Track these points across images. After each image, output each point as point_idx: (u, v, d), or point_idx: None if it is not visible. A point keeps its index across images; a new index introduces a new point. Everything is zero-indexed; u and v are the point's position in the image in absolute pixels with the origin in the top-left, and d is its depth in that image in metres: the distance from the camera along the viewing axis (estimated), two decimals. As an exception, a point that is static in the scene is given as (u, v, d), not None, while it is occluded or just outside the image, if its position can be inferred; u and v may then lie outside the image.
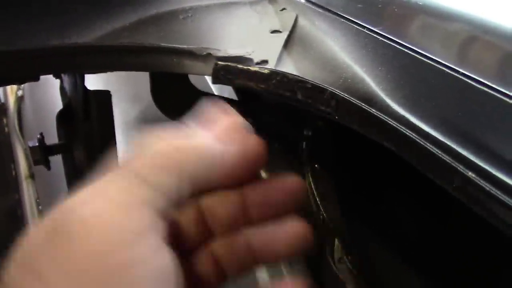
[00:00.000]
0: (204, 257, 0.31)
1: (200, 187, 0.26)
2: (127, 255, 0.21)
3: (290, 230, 0.29)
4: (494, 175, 0.24)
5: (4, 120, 1.88)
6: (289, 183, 0.30)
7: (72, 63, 0.37)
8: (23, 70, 0.36)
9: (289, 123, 0.38)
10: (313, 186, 0.46)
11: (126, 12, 0.39)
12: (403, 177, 0.39)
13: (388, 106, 0.31)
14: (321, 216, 0.45)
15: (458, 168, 0.25)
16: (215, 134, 0.27)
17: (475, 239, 0.42)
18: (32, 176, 1.55)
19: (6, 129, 1.85)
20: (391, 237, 0.48)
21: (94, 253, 0.20)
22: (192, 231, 0.30)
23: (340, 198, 0.48)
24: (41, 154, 0.75)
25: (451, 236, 0.45)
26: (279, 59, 0.37)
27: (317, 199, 0.45)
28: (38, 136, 0.73)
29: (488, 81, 0.28)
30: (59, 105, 0.82)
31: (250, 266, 0.31)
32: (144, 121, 0.74)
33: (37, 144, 0.71)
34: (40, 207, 1.45)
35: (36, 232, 0.21)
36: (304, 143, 0.48)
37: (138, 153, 0.24)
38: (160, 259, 0.22)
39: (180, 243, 0.29)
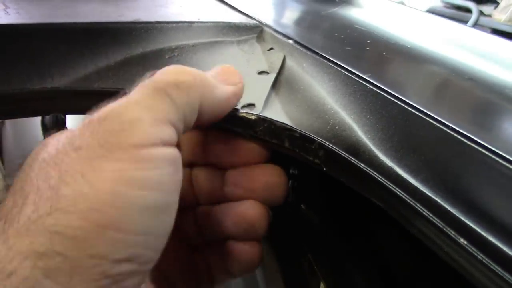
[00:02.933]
0: (189, 219, 0.38)
1: (204, 113, 0.30)
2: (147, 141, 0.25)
3: (245, 213, 0.36)
4: (486, 240, 0.23)
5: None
6: (267, 172, 0.36)
7: (52, 106, 0.36)
8: (1, 113, 0.35)
9: (274, 162, 0.38)
10: (299, 228, 0.45)
11: (111, 51, 0.39)
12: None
13: (376, 156, 0.30)
14: (306, 259, 0.44)
15: (450, 234, 0.24)
16: (211, 73, 0.33)
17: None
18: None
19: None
20: (380, 279, 0.47)
21: (126, 140, 0.24)
22: (183, 192, 0.36)
23: (327, 236, 0.47)
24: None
25: (446, 279, 0.45)
26: (266, 102, 0.36)
27: (303, 242, 0.44)
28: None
29: (478, 138, 0.28)
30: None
31: (218, 238, 0.38)
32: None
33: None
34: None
35: (84, 123, 0.25)
36: (290, 182, 0.47)
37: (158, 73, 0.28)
38: (171, 150, 0.26)
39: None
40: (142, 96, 0.26)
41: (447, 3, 2.28)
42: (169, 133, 0.26)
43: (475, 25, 2.12)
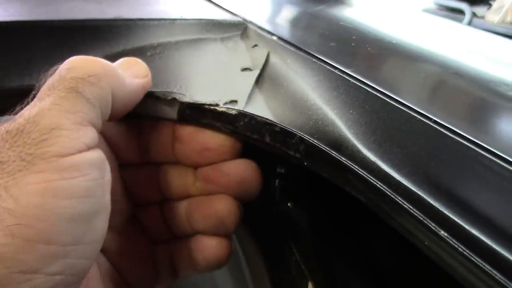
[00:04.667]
0: (154, 214, 0.38)
1: (115, 104, 0.29)
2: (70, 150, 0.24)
3: (215, 208, 0.36)
4: (468, 233, 0.23)
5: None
6: (241, 167, 0.36)
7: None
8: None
9: (261, 160, 0.37)
10: (286, 228, 0.45)
11: (91, 49, 0.38)
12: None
13: (359, 151, 0.30)
14: (294, 258, 0.43)
15: (430, 226, 0.24)
16: (117, 65, 0.31)
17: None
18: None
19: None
20: (368, 275, 0.46)
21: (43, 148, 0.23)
22: (146, 188, 0.38)
23: (315, 235, 0.47)
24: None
25: (431, 273, 0.44)
26: (249, 98, 0.36)
27: (290, 242, 0.44)
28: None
29: (461, 131, 0.27)
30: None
31: (187, 233, 0.38)
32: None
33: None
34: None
35: (1, 134, 0.24)
36: (277, 180, 0.47)
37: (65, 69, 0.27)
38: (95, 153, 0.26)
39: (133, 194, 0.38)
40: (56, 99, 0.25)
41: (440, 5, 2.29)
42: (91, 135, 0.26)
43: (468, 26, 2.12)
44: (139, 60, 0.33)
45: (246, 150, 0.37)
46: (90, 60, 0.27)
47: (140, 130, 0.37)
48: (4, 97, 0.34)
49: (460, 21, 2.14)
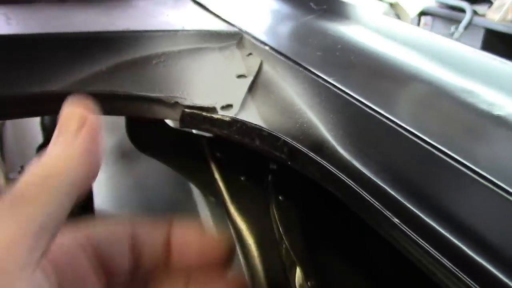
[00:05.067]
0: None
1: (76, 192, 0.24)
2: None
3: None
4: (422, 222, 0.27)
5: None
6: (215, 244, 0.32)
7: (51, 108, 0.40)
8: (1, 115, 0.39)
9: (255, 157, 0.42)
10: (277, 218, 0.49)
11: (104, 58, 0.43)
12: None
13: (336, 151, 0.34)
14: (284, 246, 0.48)
15: (385, 213, 0.28)
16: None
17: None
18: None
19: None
20: (360, 265, 0.50)
21: None
22: (125, 263, 0.31)
23: (305, 226, 0.51)
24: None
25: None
26: (243, 103, 0.41)
27: (281, 230, 0.48)
28: (19, 169, 0.75)
29: (425, 136, 0.32)
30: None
31: None
32: (120, 150, 0.77)
33: (18, 177, 0.73)
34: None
35: None
36: (270, 176, 0.51)
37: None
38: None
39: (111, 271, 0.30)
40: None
41: (441, 3, 2.31)
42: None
43: (469, 24, 2.14)
44: (68, 113, 0.26)
45: (243, 149, 0.41)
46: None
47: (132, 239, 0.32)
48: (27, 101, 0.39)
49: (461, 19, 2.17)
